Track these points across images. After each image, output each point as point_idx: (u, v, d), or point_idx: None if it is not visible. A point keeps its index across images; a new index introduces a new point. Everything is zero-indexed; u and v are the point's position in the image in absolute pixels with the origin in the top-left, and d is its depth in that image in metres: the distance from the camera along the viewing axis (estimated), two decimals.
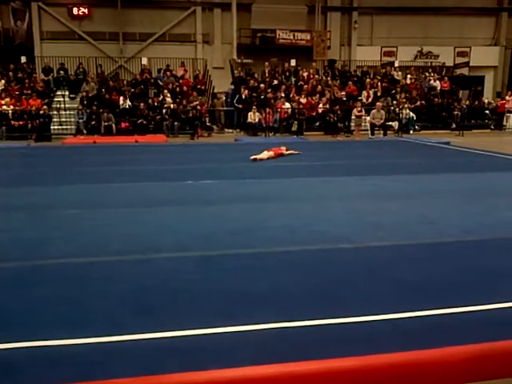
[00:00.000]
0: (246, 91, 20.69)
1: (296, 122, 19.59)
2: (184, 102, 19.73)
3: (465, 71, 27.00)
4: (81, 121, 18.68)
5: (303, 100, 20.45)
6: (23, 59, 21.91)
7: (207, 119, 19.96)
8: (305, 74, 22.60)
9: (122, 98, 19.74)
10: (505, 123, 22.25)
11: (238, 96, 20.61)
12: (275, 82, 22.02)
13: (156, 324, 3.41)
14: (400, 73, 24.01)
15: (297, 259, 4.79)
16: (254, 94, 20.80)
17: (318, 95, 20.95)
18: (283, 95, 20.56)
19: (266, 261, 4.75)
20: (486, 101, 23.56)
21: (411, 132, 20.21)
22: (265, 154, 12.12)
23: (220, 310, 3.63)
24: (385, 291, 4.00)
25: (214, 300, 3.82)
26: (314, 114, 20.25)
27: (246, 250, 5.07)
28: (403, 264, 4.68)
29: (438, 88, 23.15)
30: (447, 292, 3.99)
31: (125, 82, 21.43)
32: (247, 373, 2.66)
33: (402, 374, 2.54)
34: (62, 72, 21.63)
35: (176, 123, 19.10)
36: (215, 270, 4.49)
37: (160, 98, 19.99)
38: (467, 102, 22.26)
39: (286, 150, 12.86)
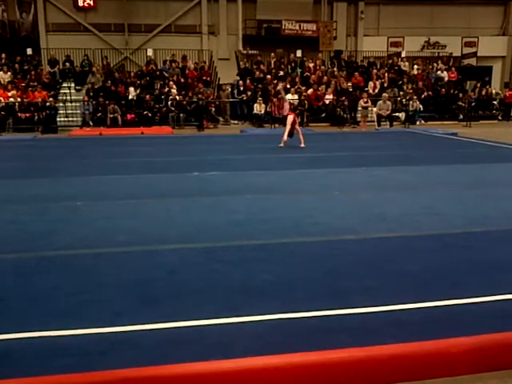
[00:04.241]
0: (248, 81, 20.64)
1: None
2: (190, 93, 19.70)
3: (472, 61, 26.76)
4: (87, 112, 18.71)
5: (309, 91, 20.36)
6: (29, 51, 21.92)
7: (213, 109, 19.92)
8: (311, 65, 22.49)
9: (132, 88, 19.75)
10: None
11: (236, 89, 20.58)
12: (281, 73, 21.95)
13: (161, 315, 3.42)
14: (407, 63, 23.83)
15: (301, 251, 4.79)
16: (260, 86, 20.75)
17: (324, 86, 20.86)
18: (288, 86, 20.48)
19: (269, 252, 4.75)
20: (494, 91, 23.35)
21: (418, 123, 20.11)
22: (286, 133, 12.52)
23: (224, 302, 3.64)
24: (390, 283, 3.99)
25: (218, 291, 3.82)
26: (320, 104, 20.15)
27: (250, 242, 5.08)
28: (409, 255, 4.67)
29: (446, 79, 22.98)
30: (453, 283, 3.97)
31: (131, 74, 21.42)
32: (251, 363, 2.67)
33: (406, 364, 2.55)
34: (67, 64, 21.64)
35: (182, 115, 19.10)
36: (219, 261, 4.49)
37: (166, 90, 19.97)
38: (473, 94, 22.06)
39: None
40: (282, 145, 12.55)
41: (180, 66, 21.85)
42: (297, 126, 12.75)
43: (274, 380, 2.58)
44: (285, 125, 13.07)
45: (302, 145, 12.50)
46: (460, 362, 2.46)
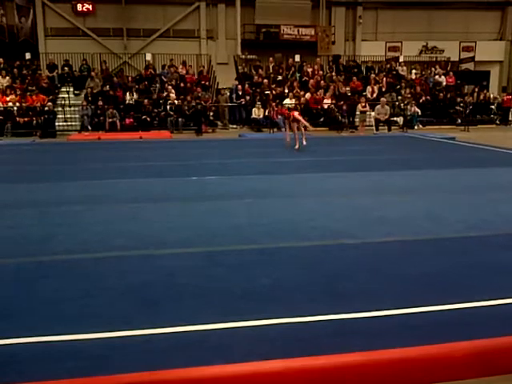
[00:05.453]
0: (247, 86, 20.69)
1: None
2: (188, 97, 19.72)
3: (470, 66, 26.85)
4: (85, 117, 18.71)
5: (307, 95, 20.40)
6: (28, 56, 21.95)
7: (211, 113, 19.94)
8: (309, 70, 22.54)
9: (128, 93, 19.78)
10: (510, 118, 22.15)
11: (235, 94, 20.62)
12: (279, 77, 22.00)
13: (160, 319, 3.42)
14: (405, 68, 23.91)
15: (300, 255, 4.79)
16: (258, 90, 20.79)
17: (322, 90, 20.91)
18: (287, 91, 20.52)
19: (269, 256, 4.75)
20: (492, 96, 23.43)
21: (416, 127, 20.15)
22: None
23: (224, 306, 3.64)
24: (390, 287, 3.99)
25: (218, 295, 3.83)
26: (318, 107, 20.16)
27: (249, 246, 5.08)
28: (408, 259, 4.67)
29: (444, 83, 23.04)
30: (453, 287, 3.98)
31: (129, 78, 21.44)
32: (251, 368, 2.66)
33: (409, 368, 2.54)
34: (66, 68, 21.66)
35: (180, 119, 19.11)
36: (219, 265, 4.50)
37: (164, 94, 20.00)
38: (471, 98, 22.12)
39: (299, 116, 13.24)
40: (296, 147, 12.77)
41: (178, 70, 21.89)
42: (295, 128, 12.93)
43: None
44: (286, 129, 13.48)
45: (297, 147, 12.68)
46: (465, 365, 2.46)
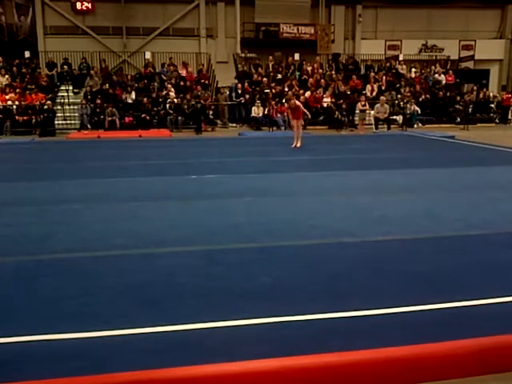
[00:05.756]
0: (246, 84, 20.69)
1: None
2: (188, 96, 19.71)
3: (470, 64, 26.84)
4: (85, 115, 18.69)
5: (307, 94, 20.40)
6: (27, 54, 21.91)
7: (210, 112, 19.93)
8: (309, 68, 22.53)
9: (124, 92, 19.77)
10: (510, 117, 22.14)
11: (234, 92, 20.61)
12: (279, 76, 21.99)
13: (160, 318, 3.41)
14: (404, 66, 23.90)
15: (300, 253, 4.79)
16: (258, 89, 20.79)
17: (321, 89, 20.90)
18: (286, 89, 20.51)
19: (269, 255, 4.75)
20: (491, 94, 23.43)
21: (415, 126, 20.15)
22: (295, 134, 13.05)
23: (223, 304, 3.64)
24: (390, 285, 3.99)
25: (218, 294, 3.82)
26: (318, 105, 20.16)
27: (249, 244, 5.08)
28: (409, 258, 4.67)
29: (443, 82, 23.04)
30: (453, 286, 3.97)
31: (129, 77, 21.42)
32: (249, 366, 2.66)
33: (407, 367, 2.54)
34: (65, 67, 21.63)
35: (180, 118, 19.10)
36: (218, 264, 4.49)
37: (164, 93, 19.98)
38: (470, 97, 22.11)
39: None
40: (293, 146, 12.94)
41: (177, 69, 21.87)
42: (295, 126, 13.04)
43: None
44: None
45: (293, 146, 12.87)
46: (463, 364, 2.46)
